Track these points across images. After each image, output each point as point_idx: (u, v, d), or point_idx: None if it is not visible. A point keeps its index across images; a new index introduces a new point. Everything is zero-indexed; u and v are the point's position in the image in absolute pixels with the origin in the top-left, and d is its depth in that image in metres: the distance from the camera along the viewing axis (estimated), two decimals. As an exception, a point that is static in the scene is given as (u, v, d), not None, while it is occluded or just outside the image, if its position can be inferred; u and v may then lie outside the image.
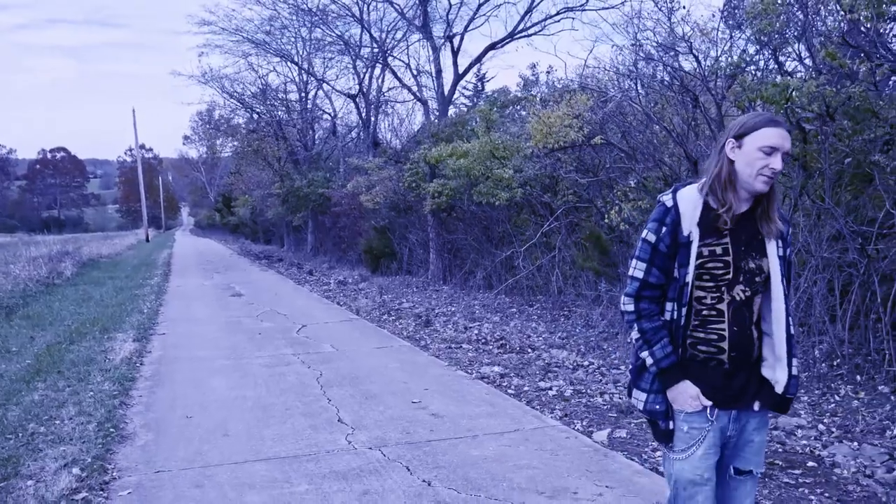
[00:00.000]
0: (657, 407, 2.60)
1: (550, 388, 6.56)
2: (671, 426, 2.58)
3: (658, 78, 8.77)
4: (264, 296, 14.58)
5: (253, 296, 14.63)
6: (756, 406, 2.58)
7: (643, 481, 4.23)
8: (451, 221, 15.34)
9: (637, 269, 2.59)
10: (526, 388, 6.56)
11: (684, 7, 7.94)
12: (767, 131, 2.44)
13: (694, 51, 7.78)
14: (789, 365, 2.53)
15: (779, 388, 2.54)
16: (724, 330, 2.50)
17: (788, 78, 6.26)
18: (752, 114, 2.57)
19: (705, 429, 2.53)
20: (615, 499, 3.97)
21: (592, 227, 9.25)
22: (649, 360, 2.55)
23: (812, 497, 3.94)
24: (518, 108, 15.88)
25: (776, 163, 2.43)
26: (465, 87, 27.73)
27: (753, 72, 7.12)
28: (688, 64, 8.31)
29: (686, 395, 2.52)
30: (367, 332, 9.90)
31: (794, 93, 6.17)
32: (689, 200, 2.53)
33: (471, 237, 14.39)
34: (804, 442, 4.86)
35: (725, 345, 2.51)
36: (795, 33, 6.97)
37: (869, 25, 5.61)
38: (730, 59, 7.34)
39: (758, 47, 7.10)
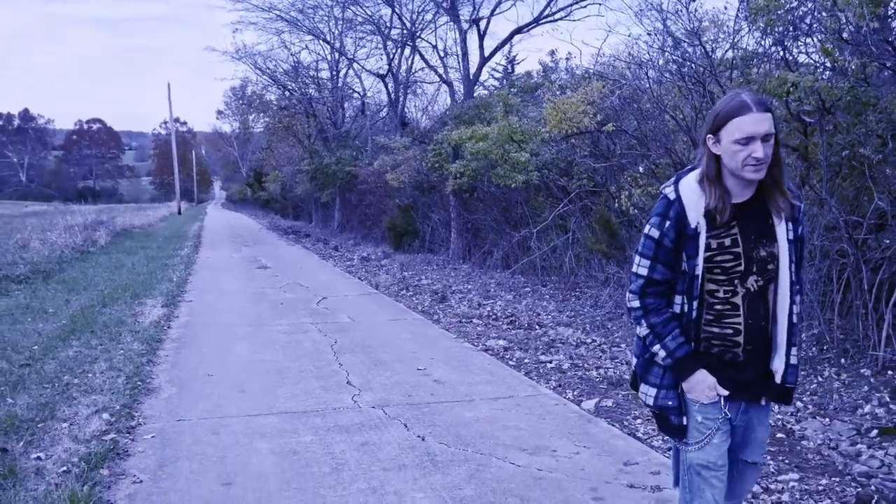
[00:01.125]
0: (669, 403, 2.52)
1: (550, 362, 6.93)
2: (684, 422, 2.51)
3: (670, 67, 9.02)
4: (289, 269, 15.07)
5: (278, 269, 15.13)
6: (763, 401, 2.57)
7: (618, 443, 4.60)
8: (472, 202, 15.68)
9: (641, 265, 2.51)
10: (527, 361, 6.94)
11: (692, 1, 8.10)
12: (739, 122, 2.33)
13: (703, 42, 8.02)
14: (787, 353, 2.51)
15: (777, 378, 2.52)
16: (739, 324, 2.44)
17: (787, 72, 6.50)
18: (725, 99, 2.45)
19: (719, 419, 2.48)
20: (590, 456, 4.35)
21: (602, 211, 9.55)
22: (662, 353, 2.48)
23: (771, 462, 4.27)
24: (538, 93, 16.13)
25: (757, 151, 2.32)
26: (494, 69, 27.95)
27: (758, 64, 7.34)
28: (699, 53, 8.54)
29: (704, 385, 2.45)
30: (384, 306, 10.33)
31: (792, 87, 6.42)
32: (693, 190, 2.44)
33: (490, 218, 14.74)
34: (779, 416, 5.18)
35: (741, 339, 2.45)
36: (803, 28, 7.18)
37: (862, 24, 5.83)
38: (737, 51, 7.58)
39: (765, 40, 7.32)
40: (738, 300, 2.44)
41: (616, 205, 9.61)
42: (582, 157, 10.67)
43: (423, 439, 4.66)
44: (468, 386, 5.96)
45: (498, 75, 29.42)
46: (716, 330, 2.46)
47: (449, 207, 16.27)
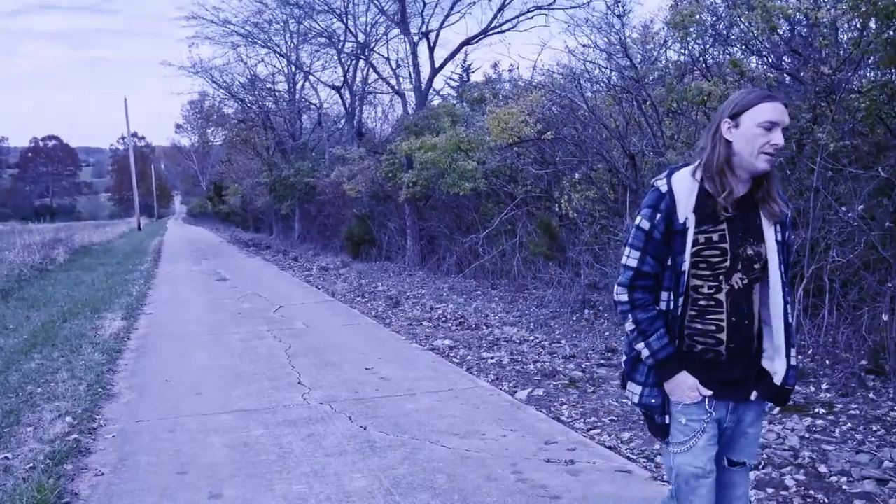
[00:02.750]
0: (653, 401, 2.53)
1: (492, 358, 7.38)
2: (667, 420, 2.53)
3: (602, 78, 9.58)
4: (248, 280, 15.36)
5: (237, 280, 15.41)
6: (753, 396, 2.53)
7: (542, 426, 5.07)
8: (426, 210, 16.14)
9: (631, 257, 2.50)
10: (469, 358, 7.38)
11: (623, 15, 8.66)
12: (766, 106, 2.34)
13: (630, 55, 8.57)
14: (787, 355, 2.49)
15: (777, 380, 2.50)
16: (722, 321, 2.45)
17: (703, 82, 7.05)
18: (745, 91, 2.47)
19: (704, 420, 2.48)
20: (515, 438, 4.81)
21: (542, 216, 10.05)
22: (645, 352, 2.48)
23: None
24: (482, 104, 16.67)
25: (778, 138, 2.33)
26: (450, 78, 28.48)
27: (678, 74, 7.89)
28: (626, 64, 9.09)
29: (684, 386, 2.46)
30: (339, 312, 10.71)
31: (707, 96, 6.98)
32: (685, 185, 2.45)
33: (443, 225, 15.21)
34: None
35: (724, 336, 2.45)
36: (717, 41, 7.76)
37: (763, 36, 6.40)
38: (662, 63, 8.14)
39: (683, 52, 7.88)
40: (721, 297, 2.44)
41: (557, 209, 10.12)
42: (525, 165, 11.18)
43: (364, 429, 5.07)
44: (412, 381, 6.39)
45: (454, 84, 29.99)
46: (699, 326, 2.46)
47: (404, 216, 16.70)
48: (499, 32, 16.75)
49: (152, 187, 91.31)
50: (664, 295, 2.48)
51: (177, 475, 4.33)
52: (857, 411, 5.16)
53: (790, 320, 2.49)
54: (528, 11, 15.94)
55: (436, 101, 18.57)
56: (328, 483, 4.13)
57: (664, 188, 2.47)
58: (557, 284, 9.94)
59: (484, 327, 9.17)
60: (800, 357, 5.49)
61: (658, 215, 2.44)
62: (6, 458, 4.56)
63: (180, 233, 45.14)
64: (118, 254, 24.46)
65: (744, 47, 7.00)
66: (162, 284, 15.04)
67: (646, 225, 2.47)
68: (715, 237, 2.42)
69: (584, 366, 6.88)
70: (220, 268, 18.49)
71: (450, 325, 9.45)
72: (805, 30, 6.84)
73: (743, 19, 6.55)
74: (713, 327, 2.45)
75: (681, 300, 2.44)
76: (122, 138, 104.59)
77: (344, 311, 10.77)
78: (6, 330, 9.30)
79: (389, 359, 7.35)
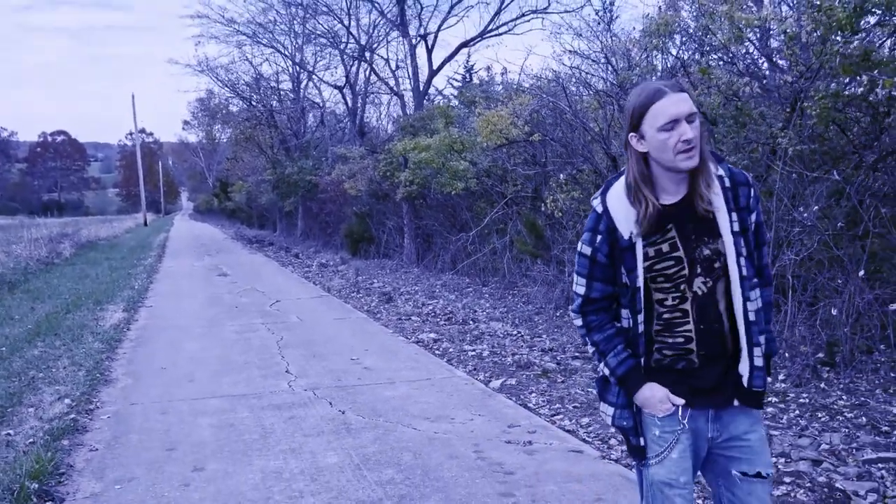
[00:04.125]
0: (625, 423, 2.43)
1: (473, 351, 7.72)
2: (642, 443, 2.42)
3: (588, 83, 9.91)
4: (248, 276, 15.75)
5: (238, 276, 15.80)
6: (736, 402, 2.38)
7: (509, 412, 5.41)
8: (422, 208, 16.50)
9: (578, 284, 2.43)
10: (451, 350, 7.73)
11: (611, 22, 9.01)
12: (658, 107, 2.20)
13: (612, 62, 8.90)
14: (750, 355, 2.33)
15: (744, 382, 2.36)
16: (690, 331, 2.32)
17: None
18: (635, 93, 2.33)
19: (677, 431, 2.37)
20: (482, 422, 5.15)
21: (528, 215, 10.39)
22: (606, 371, 2.41)
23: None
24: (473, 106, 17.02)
25: (686, 132, 2.18)
26: (453, 78, 28.82)
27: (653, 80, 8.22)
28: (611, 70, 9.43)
29: (654, 399, 2.35)
30: (333, 307, 11.08)
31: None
32: (621, 200, 2.33)
33: (437, 223, 15.56)
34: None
35: (693, 346, 2.33)
36: (692, 50, 8.09)
37: (731, 48, 6.73)
38: (632, 71, 8.47)
39: (659, 59, 8.22)
40: (687, 306, 2.31)
41: (544, 209, 10.45)
42: (514, 165, 11.52)
43: (343, 413, 5.43)
44: (393, 371, 6.74)
45: (457, 84, 30.35)
46: (668, 340, 2.35)
47: (402, 214, 17.06)
48: (496, 35, 17.14)
49: (159, 183, 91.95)
50: (624, 312, 2.39)
51: (165, 451, 4.69)
52: (807, 400, 5.49)
53: (752, 318, 2.32)
54: (524, 15, 16.32)
55: (439, 101, 18.99)
56: (303, 459, 4.49)
57: (599, 208, 2.37)
58: (543, 282, 10.27)
59: (471, 322, 9.51)
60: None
61: (598, 237, 2.34)
62: (8, 434, 4.93)
63: (186, 229, 45.63)
64: (123, 249, 24.91)
65: (716, 56, 7.33)
66: (164, 279, 15.44)
67: (587, 250, 2.38)
68: (665, 247, 2.29)
69: (559, 358, 7.22)
70: (222, 264, 18.88)
71: (438, 319, 9.79)
72: (773, 41, 7.17)
73: (713, 28, 6.87)
74: (682, 339, 2.33)
75: (640, 316, 2.34)
76: (130, 134, 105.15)
77: (338, 306, 11.13)
78: (12, 320, 9.69)
79: (375, 351, 7.70)
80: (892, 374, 5.74)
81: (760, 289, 2.38)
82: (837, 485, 4.08)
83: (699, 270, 2.29)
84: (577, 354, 7.31)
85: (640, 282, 2.30)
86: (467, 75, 30.46)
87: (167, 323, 9.75)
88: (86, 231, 29.44)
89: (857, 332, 6.04)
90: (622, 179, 2.36)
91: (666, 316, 2.33)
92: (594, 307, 2.41)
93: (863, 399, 5.42)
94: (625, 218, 2.30)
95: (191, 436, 4.99)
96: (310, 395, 5.98)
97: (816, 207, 5.97)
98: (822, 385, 5.83)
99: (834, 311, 5.76)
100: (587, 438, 4.87)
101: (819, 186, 6.27)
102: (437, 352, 7.69)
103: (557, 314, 9.45)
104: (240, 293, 12.73)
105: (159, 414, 5.52)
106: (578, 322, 2.47)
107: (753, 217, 2.35)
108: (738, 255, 2.29)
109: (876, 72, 5.29)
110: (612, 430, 4.95)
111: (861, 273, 5.68)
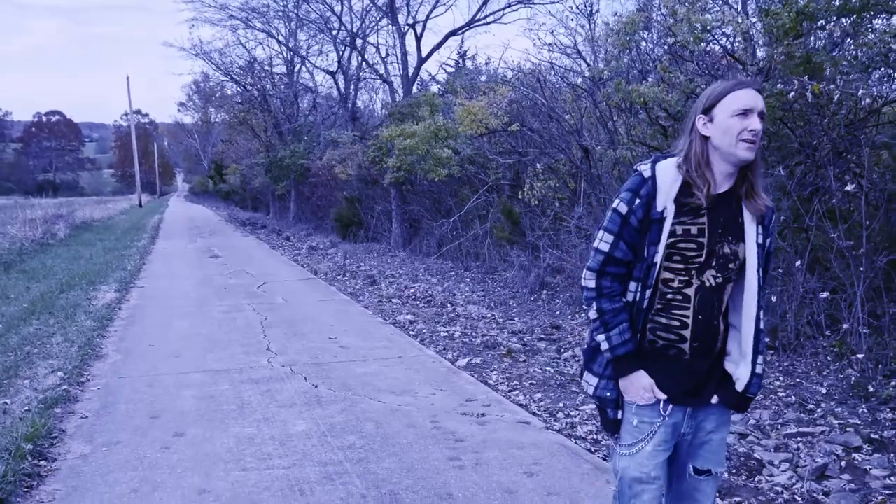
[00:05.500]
0: (607, 394, 2.47)
1: (446, 332, 8.16)
2: (619, 416, 2.47)
3: (564, 77, 10.30)
4: (239, 258, 16.16)
5: (229, 258, 16.21)
6: (714, 400, 2.45)
7: (469, 388, 5.86)
8: (410, 194, 16.90)
9: (603, 241, 2.41)
10: (425, 331, 8.16)
11: (591, 15, 9.38)
12: (737, 94, 2.29)
13: (585, 57, 9.29)
14: (753, 362, 2.40)
15: (739, 386, 2.41)
16: (687, 317, 2.37)
17: (640, 85, 7.77)
18: (716, 84, 2.41)
19: (656, 424, 2.41)
20: (442, 397, 5.59)
21: (505, 202, 10.80)
22: (604, 346, 2.41)
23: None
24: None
25: (755, 123, 2.26)
26: (446, 64, 29.14)
27: (624, 77, 8.61)
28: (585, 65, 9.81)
29: (638, 386, 2.40)
30: (318, 289, 11.50)
31: (641, 97, 7.70)
32: (669, 174, 2.37)
33: (423, 208, 15.97)
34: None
35: (687, 333, 2.37)
36: (658, 48, 8.47)
37: (687, 46, 7.12)
38: (606, 67, 8.86)
39: (622, 57, 8.60)
40: (690, 292, 2.36)
41: (521, 196, 10.86)
42: (494, 154, 11.92)
43: (315, 387, 5.87)
44: (367, 350, 7.18)
45: (450, 69, 30.64)
46: (663, 320, 2.39)
47: (391, 199, 17.45)
48: (484, 24, 17.50)
49: (155, 164, 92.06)
50: (632, 286, 2.40)
51: (150, 419, 5.12)
52: (746, 381, 5.93)
53: (761, 326, 2.40)
54: (511, 4, 16.68)
55: (431, 88, 19.35)
56: (275, 427, 4.92)
57: (647, 173, 2.38)
58: (520, 267, 10.70)
59: (449, 305, 9.94)
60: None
61: (638, 200, 2.35)
62: (5, 403, 5.35)
63: (181, 210, 45.94)
64: (117, 230, 25.27)
65: (678, 55, 7.71)
66: (156, 260, 15.84)
67: (623, 209, 2.38)
68: (693, 230, 2.34)
69: (525, 339, 7.65)
70: (215, 245, 19.28)
71: (418, 302, 10.22)
72: (729, 42, 7.56)
73: (674, 29, 7.26)
74: (677, 323, 2.38)
75: (648, 292, 2.37)
76: (126, 115, 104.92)
77: (323, 289, 11.55)
78: (8, 299, 10.09)
79: (353, 331, 8.13)
80: (829, 358, 6.18)
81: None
82: (756, 455, 4.53)
83: (714, 263, 2.36)
84: (542, 336, 7.74)
85: (659, 258, 2.34)
86: (461, 61, 30.79)
87: (158, 303, 10.16)
88: (80, 212, 29.79)
89: (800, 318, 6.48)
90: (672, 159, 2.42)
91: (669, 296, 2.38)
92: (613, 269, 2.40)
93: (798, 380, 5.87)
94: (667, 191, 2.35)
95: (174, 405, 5.42)
96: (287, 370, 6.41)
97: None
98: (764, 367, 6.27)
99: (773, 298, 6.19)
100: (537, 412, 5.31)
101: (769, 181, 6.68)
102: (411, 332, 8.13)
103: (531, 298, 9.88)
104: (229, 275, 13.14)
105: (146, 386, 5.95)
106: (591, 283, 2.43)
107: (770, 241, 2.44)
108: (759, 265, 2.38)
109: (806, 77, 5.69)
110: (565, 408, 5.41)
111: (797, 263, 6.10)
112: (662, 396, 2.39)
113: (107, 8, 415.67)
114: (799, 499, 3.87)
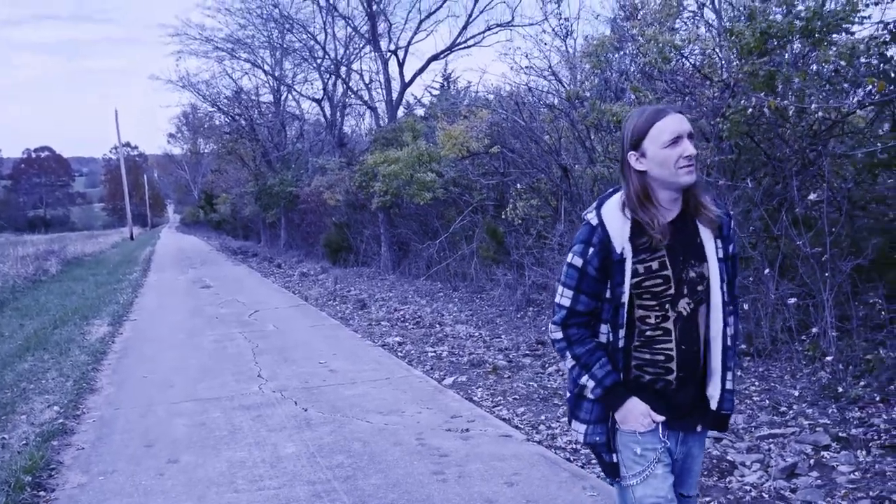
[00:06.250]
0: (597, 439, 2.46)
1: (433, 352, 8.33)
2: (615, 459, 2.44)
3: (542, 98, 10.56)
4: (231, 287, 16.32)
5: (220, 287, 16.37)
6: (699, 428, 2.48)
7: (454, 405, 6.03)
8: (397, 218, 17.12)
9: (564, 296, 2.41)
10: (413, 352, 8.34)
11: (566, 37, 9.65)
12: (661, 124, 2.28)
13: (560, 79, 9.55)
14: (723, 379, 2.41)
15: (713, 404, 2.42)
16: (671, 350, 2.36)
17: (611, 104, 8.03)
18: (635, 114, 2.39)
19: (658, 449, 2.39)
20: (428, 415, 5.77)
21: (489, 222, 11.02)
22: (591, 384, 2.39)
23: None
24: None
25: (688, 148, 2.26)
26: (431, 86, 29.48)
27: (594, 97, 8.88)
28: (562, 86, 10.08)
29: (636, 412, 2.37)
30: (309, 315, 11.66)
31: (613, 116, 7.95)
32: (616, 218, 2.35)
33: (411, 231, 16.19)
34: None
35: (674, 365, 2.37)
36: (630, 68, 8.74)
37: (655, 66, 7.38)
38: (580, 87, 9.12)
39: (594, 78, 8.88)
40: (669, 325, 2.35)
41: (504, 216, 11.09)
42: (477, 176, 12.16)
43: (305, 410, 6.03)
44: (355, 372, 7.35)
45: (435, 92, 30.98)
46: (647, 356, 2.38)
47: (379, 223, 17.67)
48: (465, 48, 17.80)
49: (145, 196, 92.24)
50: (603, 328, 2.40)
51: (144, 447, 5.28)
52: (723, 387, 6.11)
53: (728, 343, 2.41)
54: (490, 28, 17.00)
55: (415, 112, 19.64)
56: (266, 450, 5.09)
57: (594, 221, 2.38)
58: (506, 285, 10.90)
59: (437, 325, 10.11)
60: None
61: (591, 249, 2.35)
62: (3, 438, 5.51)
63: (172, 242, 46.06)
64: (109, 264, 25.40)
65: (648, 74, 7.98)
66: (148, 293, 15.99)
67: (578, 262, 2.38)
68: (655, 265, 2.33)
69: (511, 356, 7.83)
70: (206, 276, 19.43)
71: (407, 324, 10.39)
72: (696, 60, 7.81)
73: (642, 50, 7.52)
74: (662, 357, 2.37)
75: (621, 332, 2.36)
76: (115, 148, 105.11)
77: (313, 314, 11.71)
78: (2, 337, 10.24)
79: (342, 354, 8.30)
80: (802, 362, 6.37)
81: (733, 316, 2.46)
82: (728, 457, 4.71)
83: (685, 291, 2.34)
84: (527, 353, 7.92)
85: (626, 297, 2.33)
86: (445, 83, 31.14)
87: (150, 335, 10.32)
88: (72, 247, 29.92)
89: (774, 324, 6.69)
90: (616, 196, 2.41)
91: (648, 333, 2.37)
92: (577, 321, 2.41)
93: (772, 384, 6.06)
94: (619, 233, 2.33)
95: (167, 434, 5.58)
96: (277, 396, 6.57)
97: (732, 213, 6.62)
98: (740, 373, 6.46)
99: (746, 306, 6.39)
100: (519, 425, 5.49)
101: (738, 193, 6.92)
102: (399, 354, 8.30)
103: (518, 315, 10.06)
104: (221, 304, 13.30)
105: (139, 417, 6.11)
106: (558, 335, 2.45)
107: (731, 247, 2.44)
108: (722, 280, 2.37)
109: (762, 94, 5.93)
110: (547, 420, 5.59)
111: (767, 271, 6.32)
112: (660, 419, 2.38)
113: (95, 42, 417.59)
114: (766, 496, 4.06)
